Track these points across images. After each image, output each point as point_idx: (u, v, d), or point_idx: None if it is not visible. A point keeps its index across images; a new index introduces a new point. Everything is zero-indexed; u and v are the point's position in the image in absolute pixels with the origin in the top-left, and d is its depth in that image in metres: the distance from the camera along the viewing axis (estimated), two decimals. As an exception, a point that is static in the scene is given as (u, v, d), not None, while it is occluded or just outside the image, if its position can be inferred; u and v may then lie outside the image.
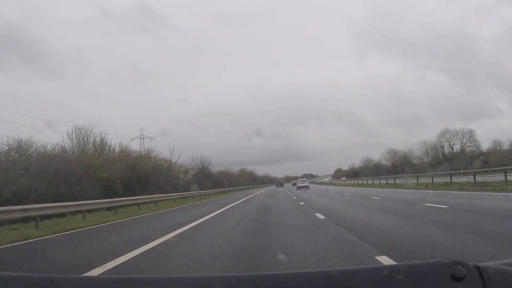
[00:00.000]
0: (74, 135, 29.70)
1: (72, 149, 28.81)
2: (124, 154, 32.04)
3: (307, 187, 55.35)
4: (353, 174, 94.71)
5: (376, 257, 5.37)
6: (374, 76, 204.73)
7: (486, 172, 32.07)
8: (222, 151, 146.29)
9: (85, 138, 30.04)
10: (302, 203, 19.91)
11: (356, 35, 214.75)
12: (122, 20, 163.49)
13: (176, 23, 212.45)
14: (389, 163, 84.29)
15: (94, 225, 13.20)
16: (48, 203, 14.76)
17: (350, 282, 1.08)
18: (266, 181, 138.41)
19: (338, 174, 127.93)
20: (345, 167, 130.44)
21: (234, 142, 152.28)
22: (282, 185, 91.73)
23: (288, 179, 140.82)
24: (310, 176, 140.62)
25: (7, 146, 20.67)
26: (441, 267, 1.04)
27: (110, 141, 33.17)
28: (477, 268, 1.03)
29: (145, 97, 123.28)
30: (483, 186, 21.68)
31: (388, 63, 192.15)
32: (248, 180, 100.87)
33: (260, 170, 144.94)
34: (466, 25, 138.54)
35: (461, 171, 32.93)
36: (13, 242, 9.21)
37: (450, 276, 1.01)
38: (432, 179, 29.01)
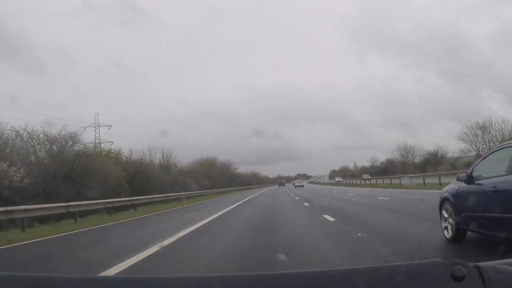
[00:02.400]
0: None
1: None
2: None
3: (303, 186, 72.57)
4: (379, 172, 74.69)
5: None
6: (367, 76, 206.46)
7: None
8: (211, 151, 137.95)
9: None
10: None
11: (349, 34, 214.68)
12: (106, 13, 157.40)
13: (163, 17, 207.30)
14: (472, 151, 48.94)
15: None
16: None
17: (350, 282, 1.08)
18: (252, 181, 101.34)
19: (344, 172, 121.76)
20: (346, 166, 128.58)
21: (224, 142, 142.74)
22: (283, 184, 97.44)
23: (280, 178, 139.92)
24: (304, 177, 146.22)
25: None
26: (441, 267, 1.04)
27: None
28: (477, 268, 1.03)
29: (132, 94, 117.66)
30: None
31: (381, 63, 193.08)
32: (222, 179, 61.42)
33: (251, 170, 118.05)
34: (461, 25, 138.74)
35: None
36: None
37: (450, 276, 1.01)
38: None
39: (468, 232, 6.08)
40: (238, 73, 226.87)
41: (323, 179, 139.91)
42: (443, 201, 6.68)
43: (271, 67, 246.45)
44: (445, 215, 6.50)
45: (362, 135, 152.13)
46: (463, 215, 5.90)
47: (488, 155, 6.03)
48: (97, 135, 42.91)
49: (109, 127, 45.09)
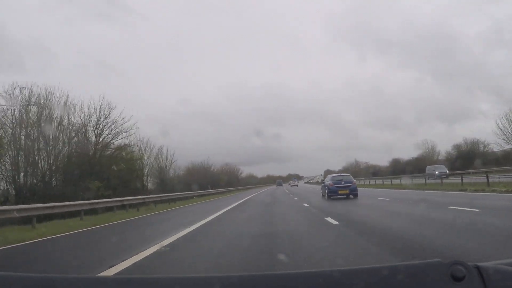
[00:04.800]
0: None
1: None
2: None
3: (297, 185, 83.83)
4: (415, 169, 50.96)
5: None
6: (356, 76, 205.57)
7: None
8: (199, 152, 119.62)
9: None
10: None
11: (337, 33, 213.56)
12: (85, 6, 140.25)
13: (144, 12, 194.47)
14: None
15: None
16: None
17: (350, 282, 1.08)
18: (222, 182, 64.87)
19: (350, 171, 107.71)
20: (337, 167, 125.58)
21: (212, 143, 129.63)
22: (281, 184, 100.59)
23: (270, 178, 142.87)
24: (296, 177, 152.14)
25: None
26: (441, 267, 1.04)
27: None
28: (477, 268, 1.03)
29: (113, 92, 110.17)
30: None
31: (371, 63, 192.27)
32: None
33: (224, 163, 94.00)
34: (451, 23, 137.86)
35: None
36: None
37: (450, 276, 1.01)
38: None
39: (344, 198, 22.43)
40: (226, 72, 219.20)
41: (321, 180, 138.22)
42: (320, 188, 28.93)
43: (259, 66, 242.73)
44: (321, 191, 26.93)
45: (352, 136, 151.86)
46: (322, 191, 25.87)
47: (327, 176, 30.62)
48: (24, 116, 29.57)
49: (40, 105, 31.60)
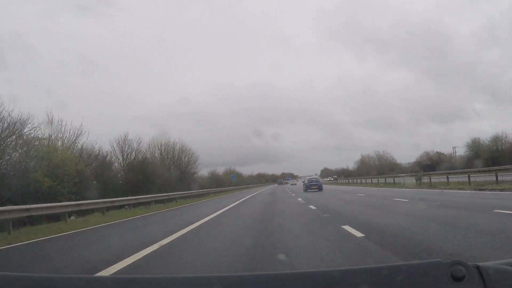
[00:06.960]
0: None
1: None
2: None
3: (296, 184, 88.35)
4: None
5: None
6: (347, 76, 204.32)
7: None
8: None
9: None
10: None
11: (330, 33, 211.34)
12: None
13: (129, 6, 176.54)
14: None
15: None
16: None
17: (350, 282, 1.09)
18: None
19: (364, 168, 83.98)
20: (334, 166, 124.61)
21: (204, 143, 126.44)
22: (282, 183, 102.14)
23: (262, 176, 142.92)
24: (290, 176, 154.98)
25: None
26: (441, 267, 1.04)
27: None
28: (477, 268, 1.03)
29: (96, 90, 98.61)
30: None
31: (362, 62, 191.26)
32: None
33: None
34: (444, 22, 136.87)
35: None
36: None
37: (450, 276, 1.01)
38: None
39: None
40: (217, 72, 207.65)
41: (331, 179, 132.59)
42: (302, 185, 47.48)
43: (251, 66, 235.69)
44: (302, 187, 45.64)
45: (344, 136, 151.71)
46: (303, 187, 42.54)
47: (307, 177, 52.22)
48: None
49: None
